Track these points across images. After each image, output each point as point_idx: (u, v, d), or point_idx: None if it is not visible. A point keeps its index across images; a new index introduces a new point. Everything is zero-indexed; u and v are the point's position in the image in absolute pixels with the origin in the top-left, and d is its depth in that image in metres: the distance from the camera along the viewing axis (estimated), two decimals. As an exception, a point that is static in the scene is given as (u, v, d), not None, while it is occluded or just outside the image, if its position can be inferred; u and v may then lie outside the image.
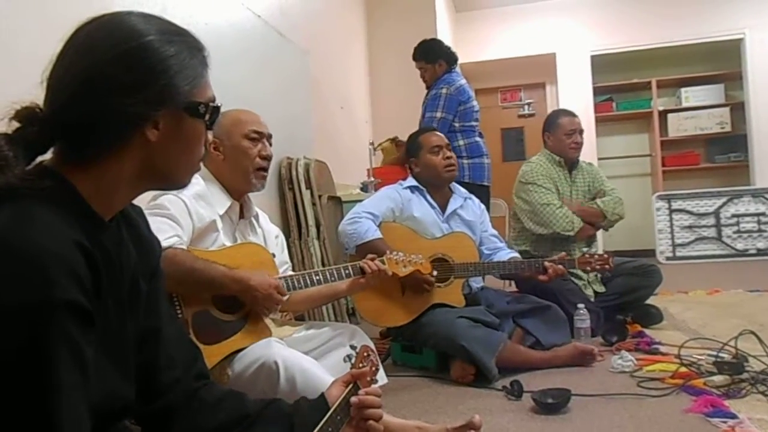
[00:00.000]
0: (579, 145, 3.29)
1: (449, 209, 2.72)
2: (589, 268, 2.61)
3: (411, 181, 2.74)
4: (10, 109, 0.77)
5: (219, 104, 0.90)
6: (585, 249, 3.16)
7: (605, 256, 2.59)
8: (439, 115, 3.57)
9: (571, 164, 3.33)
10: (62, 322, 0.67)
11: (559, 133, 3.29)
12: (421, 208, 2.65)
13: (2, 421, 0.65)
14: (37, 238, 0.68)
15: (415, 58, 3.91)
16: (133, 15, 0.84)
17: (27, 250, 0.67)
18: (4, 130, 0.77)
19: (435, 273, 2.37)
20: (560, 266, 2.51)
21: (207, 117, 0.88)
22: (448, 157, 2.69)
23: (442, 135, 2.80)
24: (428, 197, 2.70)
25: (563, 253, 2.67)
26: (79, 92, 0.78)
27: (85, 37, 0.81)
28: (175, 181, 0.91)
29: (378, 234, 2.46)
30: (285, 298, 1.63)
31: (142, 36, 0.81)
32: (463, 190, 2.87)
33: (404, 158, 3.66)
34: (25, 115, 0.77)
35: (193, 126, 0.87)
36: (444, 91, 3.62)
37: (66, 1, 1.89)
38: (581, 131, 3.31)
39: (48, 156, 0.81)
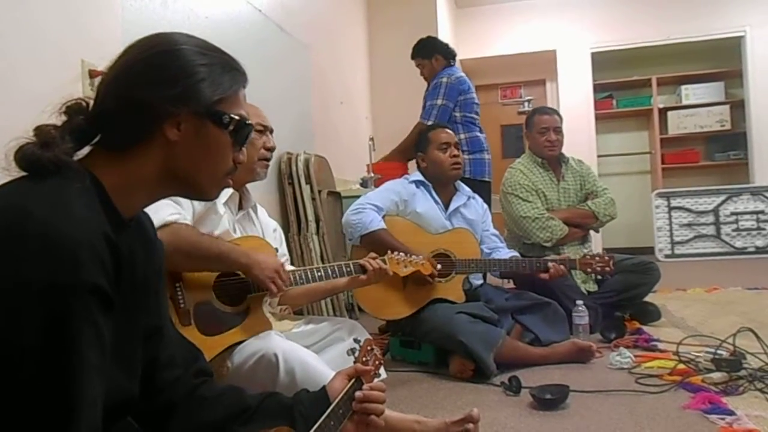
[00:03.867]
0: (553, 144, 3.20)
1: (452, 206, 2.73)
2: (590, 270, 2.62)
3: (417, 176, 2.75)
4: (59, 105, 0.84)
5: (250, 122, 0.93)
6: (585, 251, 3.14)
7: (606, 257, 2.59)
8: (439, 102, 3.58)
9: (557, 162, 3.28)
10: (88, 303, 0.70)
11: (534, 131, 3.24)
12: (425, 203, 2.66)
13: (22, 394, 0.67)
14: (70, 227, 0.71)
15: (412, 57, 3.96)
16: (177, 33, 0.90)
17: (61, 238, 0.70)
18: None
19: (439, 267, 2.39)
20: (561, 267, 2.54)
21: (231, 129, 0.90)
22: (455, 155, 2.69)
23: (451, 132, 2.80)
24: (433, 193, 2.70)
25: (565, 255, 2.68)
26: (111, 86, 0.86)
27: (128, 48, 0.89)
28: (198, 190, 0.93)
29: (382, 225, 2.47)
30: (287, 283, 1.64)
31: (175, 44, 0.88)
32: (467, 189, 2.88)
33: (406, 152, 3.69)
34: (73, 107, 0.85)
35: (215, 135, 0.89)
36: (444, 80, 3.63)
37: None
38: (556, 128, 3.21)
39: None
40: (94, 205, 0.78)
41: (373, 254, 1.98)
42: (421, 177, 2.73)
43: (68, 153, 0.79)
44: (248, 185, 1.83)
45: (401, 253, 2.09)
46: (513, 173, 3.25)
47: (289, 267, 1.80)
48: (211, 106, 0.88)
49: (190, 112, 0.86)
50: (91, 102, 0.87)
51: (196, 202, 1.59)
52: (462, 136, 3.57)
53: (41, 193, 0.74)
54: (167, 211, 1.46)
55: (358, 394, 1.17)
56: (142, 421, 0.99)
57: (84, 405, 0.70)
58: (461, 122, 3.62)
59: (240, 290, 1.61)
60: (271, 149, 1.78)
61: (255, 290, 1.61)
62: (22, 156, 0.77)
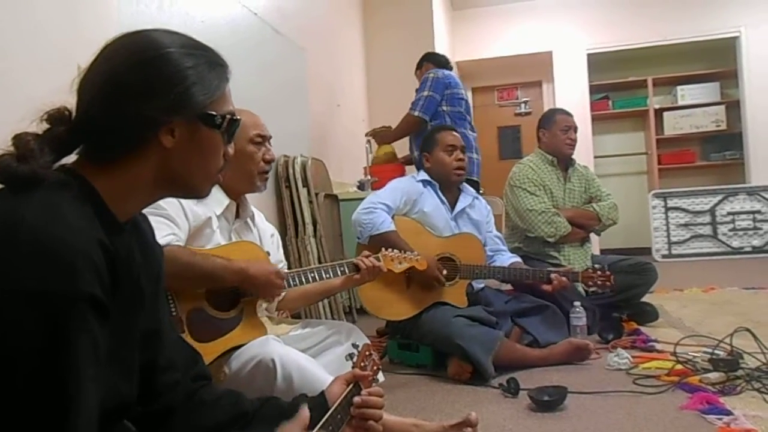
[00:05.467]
0: (573, 142, 3.31)
1: (458, 207, 2.74)
2: (591, 283, 2.64)
3: (423, 175, 2.76)
4: (41, 112, 0.82)
5: (238, 118, 0.92)
6: (585, 249, 3.16)
7: (608, 273, 2.61)
8: (426, 93, 3.67)
9: (565, 164, 3.33)
10: (84, 313, 0.70)
11: (555, 129, 3.31)
12: (432, 203, 2.67)
13: (17, 405, 0.66)
14: (65, 234, 0.71)
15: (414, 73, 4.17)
16: (158, 31, 0.88)
17: (55, 244, 0.70)
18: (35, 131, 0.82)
19: (445, 272, 2.42)
20: (564, 279, 2.55)
21: (224, 128, 0.90)
22: (459, 159, 2.70)
23: (458, 135, 2.80)
24: (439, 193, 2.71)
25: (569, 267, 2.70)
26: (97, 97, 0.83)
27: (110, 48, 0.86)
28: (193, 190, 0.93)
29: (392, 227, 2.47)
30: (285, 283, 1.64)
31: (161, 48, 0.85)
32: (471, 189, 2.90)
33: (393, 138, 3.88)
34: (54, 116, 0.82)
35: (209, 136, 0.89)
36: (431, 75, 3.75)
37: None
38: (576, 129, 3.35)
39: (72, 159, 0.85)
40: (87, 212, 0.78)
41: (366, 252, 1.97)
42: (427, 176, 2.74)
43: (46, 166, 0.78)
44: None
45: (395, 250, 2.08)
46: (522, 168, 3.29)
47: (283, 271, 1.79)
48: (203, 110, 0.87)
49: (183, 119, 0.86)
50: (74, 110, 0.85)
51: (192, 218, 1.59)
52: None
53: (32, 202, 0.73)
54: (162, 233, 1.45)
55: (356, 399, 1.16)
56: (141, 425, 0.99)
57: (80, 416, 0.69)
58: (449, 115, 3.67)
59: (232, 295, 1.60)
60: (270, 161, 1.77)
61: (248, 294, 1.61)
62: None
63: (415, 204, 2.64)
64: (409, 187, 2.68)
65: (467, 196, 2.81)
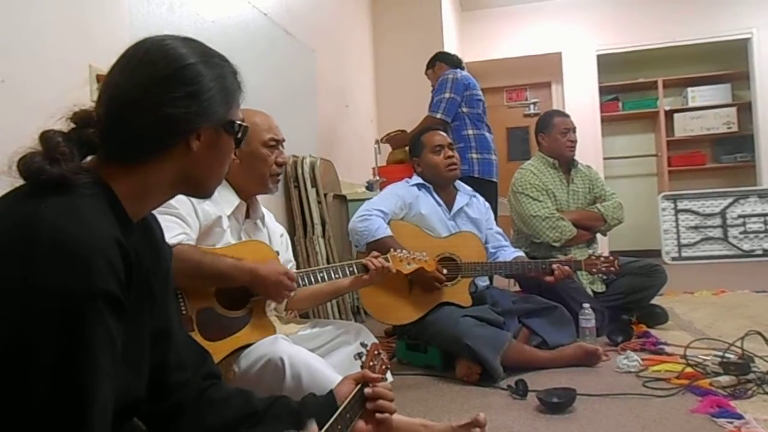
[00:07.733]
0: (574, 144, 3.30)
1: (456, 207, 2.73)
2: (595, 270, 2.60)
3: (417, 179, 2.75)
4: (68, 111, 0.85)
5: (246, 125, 0.98)
6: (589, 251, 3.15)
7: (611, 258, 2.58)
8: (447, 95, 3.63)
9: (567, 166, 3.32)
10: (101, 309, 0.71)
11: (555, 132, 3.29)
12: (428, 204, 2.66)
13: (34, 400, 0.68)
14: (82, 232, 0.73)
15: (425, 72, 4.14)
16: (176, 40, 0.92)
17: (73, 242, 0.71)
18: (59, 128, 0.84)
19: (445, 271, 2.39)
20: (566, 267, 2.52)
21: (239, 135, 0.96)
22: (449, 156, 2.70)
23: (444, 134, 2.80)
24: (434, 195, 2.71)
25: (570, 255, 2.66)
26: (138, 100, 0.85)
27: (144, 54, 0.88)
28: (205, 191, 0.98)
29: (388, 232, 2.46)
30: (295, 285, 1.64)
31: (189, 59, 0.89)
32: (468, 187, 2.89)
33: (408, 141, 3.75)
34: (82, 117, 0.85)
35: (227, 142, 0.95)
36: (450, 76, 3.71)
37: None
38: (575, 129, 3.33)
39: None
40: (105, 211, 0.79)
41: (375, 252, 1.97)
42: (420, 180, 2.74)
43: (76, 170, 0.79)
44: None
45: (404, 251, 2.08)
46: (524, 173, 3.28)
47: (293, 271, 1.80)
48: (225, 117, 0.93)
49: (209, 125, 0.90)
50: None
51: (202, 217, 1.60)
52: (470, 132, 3.62)
53: (53, 201, 0.75)
54: (173, 232, 1.47)
55: (367, 390, 1.17)
56: (151, 423, 1.00)
57: (96, 412, 0.70)
58: (469, 117, 3.65)
59: (242, 294, 1.61)
60: (282, 164, 1.77)
61: (257, 294, 1.61)
62: (29, 169, 0.78)
63: (412, 207, 2.63)
64: (403, 191, 2.67)
65: (464, 195, 2.80)
